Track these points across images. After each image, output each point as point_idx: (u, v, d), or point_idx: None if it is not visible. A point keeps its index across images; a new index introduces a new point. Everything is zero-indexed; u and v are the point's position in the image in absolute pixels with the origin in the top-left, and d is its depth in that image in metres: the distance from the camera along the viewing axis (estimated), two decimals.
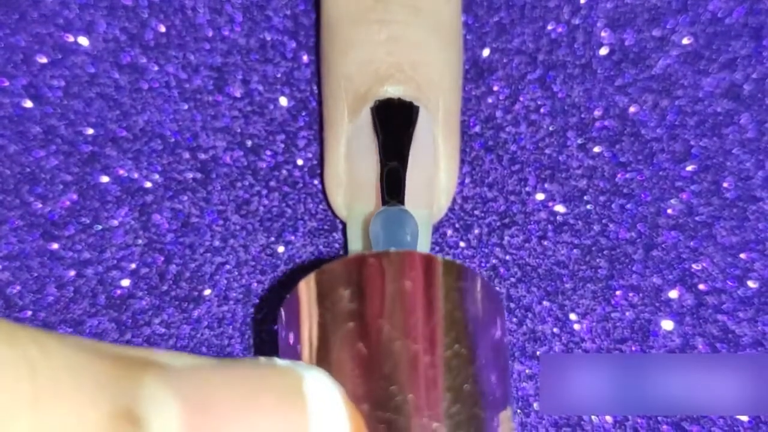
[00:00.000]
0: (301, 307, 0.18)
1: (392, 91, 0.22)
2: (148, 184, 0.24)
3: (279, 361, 0.15)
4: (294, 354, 0.18)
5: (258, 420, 0.14)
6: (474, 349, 0.17)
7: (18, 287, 0.23)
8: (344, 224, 0.24)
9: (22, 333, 0.13)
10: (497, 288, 0.24)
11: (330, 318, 0.17)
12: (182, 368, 0.14)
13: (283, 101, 0.25)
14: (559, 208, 0.24)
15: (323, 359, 0.17)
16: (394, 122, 0.22)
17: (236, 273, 0.24)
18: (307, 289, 0.18)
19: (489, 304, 0.18)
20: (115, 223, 0.24)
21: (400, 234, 0.20)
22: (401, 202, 0.21)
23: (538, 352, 0.23)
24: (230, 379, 0.14)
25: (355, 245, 0.22)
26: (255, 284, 0.24)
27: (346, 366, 0.16)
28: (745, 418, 0.22)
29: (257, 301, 0.23)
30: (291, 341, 0.18)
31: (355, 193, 0.22)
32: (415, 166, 0.22)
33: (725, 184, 0.24)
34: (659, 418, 0.23)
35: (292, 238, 0.24)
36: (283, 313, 0.19)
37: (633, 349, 0.23)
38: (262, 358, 0.15)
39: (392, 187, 0.21)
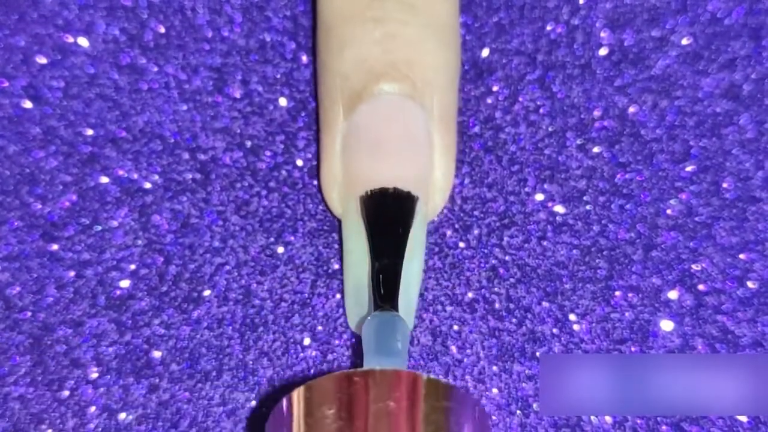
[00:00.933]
0: (292, 420, 0.18)
1: (387, 88, 0.22)
2: (148, 185, 0.24)
3: None
4: None
5: None
6: None
7: (17, 288, 0.23)
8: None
9: None
10: (497, 288, 0.24)
11: None
12: None
13: (283, 102, 0.25)
14: (559, 209, 0.24)
15: None
16: (389, 215, 0.22)
17: (236, 274, 0.24)
18: (297, 402, 0.18)
19: (476, 425, 0.18)
20: (115, 223, 0.24)
21: (391, 342, 0.20)
22: (394, 306, 0.21)
23: (537, 353, 0.23)
24: None
25: (350, 243, 0.22)
26: (254, 285, 0.24)
27: None
28: (744, 419, 0.22)
29: (257, 301, 0.23)
30: None
31: (350, 190, 0.22)
32: (412, 162, 0.22)
33: (725, 185, 0.24)
34: (658, 419, 0.23)
35: (292, 238, 0.24)
36: (271, 423, 0.19)
37: (632, 349, 0.23)
38: None
39: (386, 291, 0.21)
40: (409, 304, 0.22)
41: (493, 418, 0.23)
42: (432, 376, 0.18)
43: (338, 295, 0.24)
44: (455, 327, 0.23)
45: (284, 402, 0.18)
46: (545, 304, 0.23)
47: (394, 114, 0.22)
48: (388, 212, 0.22)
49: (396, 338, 0.20)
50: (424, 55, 0.22)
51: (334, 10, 0.23)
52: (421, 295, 0.24)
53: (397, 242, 0.21)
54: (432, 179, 0.23)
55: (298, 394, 0.18)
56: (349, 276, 0.22)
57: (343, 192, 0.23)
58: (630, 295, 0.23)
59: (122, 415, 0.22)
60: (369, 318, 0.21)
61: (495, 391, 0.23)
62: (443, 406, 0.18)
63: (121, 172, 0.24)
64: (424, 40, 0.22)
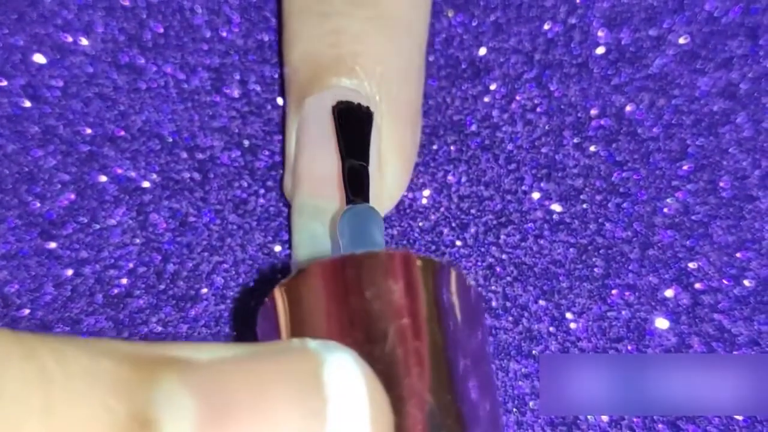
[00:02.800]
0: (344, 283, 0.18)
1: (333, 81, 0.22)
2: (146, 184, 0.24)
3: (310, 343, 0.15)
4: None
5: (275, 420, 0.14)
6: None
7: (16, 286, 0.23)
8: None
9: (40, 345, 0.13)
10: (493, 287, 0.24)
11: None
12: (200, 364, 0.14)
13: (281, 101, 0.25)
14: (556, 207, 0.24)
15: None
16: (355, 122, 0.22)
17: (233, 272, 0.24)
18: (355, 268, 0.18)
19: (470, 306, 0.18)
20: (113, 222, 0.24)
21: (369, 232, 0.20)
22: (366, 200, 0.21)
23: (534, 351, 0.23)
24: (249, 374, 0.14)
25: (297, 235, 0.22)
26: (252, 283, 0.24)
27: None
28: (740, 417, 0.22)
29: (254, 300, 0.24)
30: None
31: (298, 183, 0.22)
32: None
33: (721, 183, 0.24)
34: (655, 417, 0.23)
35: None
36: (305, 278, 0.18)
37: (629, 348, 0.23)
38: (295, 341, 0.15)
39: (356, 184, 0.21)
40: None
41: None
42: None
43: None
44: None
45: (329, 264, 0.18)
46: (542, 302, 0.23)
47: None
48: (354, 117, 0.22)
49: (373, 229, 0.20)
50: (370, 48, 0.22)
51: (287, 5, 0.24)
52: None
53: (364, 143, 0.22)
54: (381, 175, 0.22)
55: (355, 259, 0.18)
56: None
57: (294, 184, 0.23)
58: (626, 293, 0.23)
59: None
60: (344, 211, 0.21)
61: None
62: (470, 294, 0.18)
63: (119, 171, 0.24)
64: (371, 33, 0.23)
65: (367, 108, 0.22)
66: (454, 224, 0.24)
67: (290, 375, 0.14)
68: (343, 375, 0.15)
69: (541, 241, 0.24)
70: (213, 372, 0.14)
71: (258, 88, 0.25)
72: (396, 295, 0.17)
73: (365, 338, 0.17)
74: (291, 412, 0.14)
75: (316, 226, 0.22)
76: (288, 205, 0.24)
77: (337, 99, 0.22)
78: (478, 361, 0.18)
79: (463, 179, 0.25)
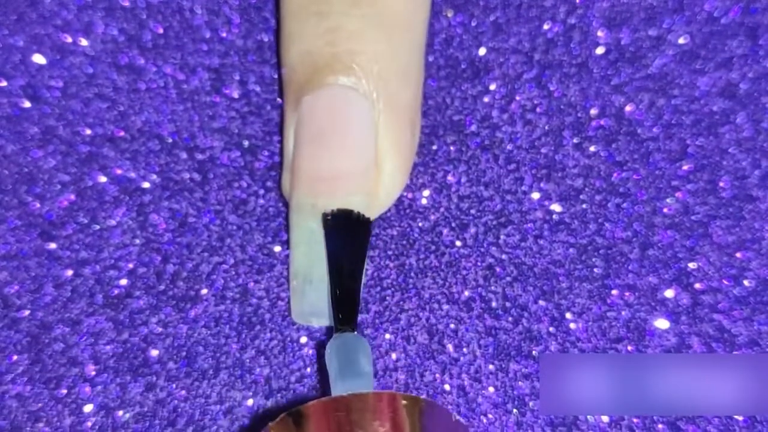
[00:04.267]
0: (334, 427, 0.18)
1: (330, 80, 0.22)
2: (146, 184, 0.24)
3: None
4: None
5: None
6: None
7: (16, 287, 0.23)
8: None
9: None
10: (493, 287, 0.24)
11: None
12: None
13: (280, 102, 0.25)
14: (555, 207, 0.24)
15: None
16: (350, 234, 0.22)
17: (233, 272, 0.24)
18: (343, 410, 0.18)
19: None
20: (113, 222, 0.24)
21: (356, 363, 0.20)
22: (353, 328, 0.21)
23: (534, 352, 0.23)
24: None
25: (295, 235, 0.23)
26: (252, 284, 0.24)
27: None
28: (740, 417, 0.22)
29: (254, 300, 0.24)
30: None
31: (295, 182, 0.22)
32: (353, 153, 0.22)
33: (721, 183, 0.24)
34: (655, 418, 0.23)
35: None
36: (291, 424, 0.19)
37: (629, 348, 0.23)
38: None
39: (345, 314, 0.21)
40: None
41: (490, 416, 0.23)
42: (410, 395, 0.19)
43: None
44: (452, 325, 0.23)
45: (319, 407, 0.18)
46: (542, 302, 0.23)
47: (337, 105, 0.22)
48: (349, 235, 0.22)
49: (360, 359, 0.21)
50: (367, 47, 0.22)
51: (285, 4, 0.24)
52: (418, 294, 0.24)
53: (358, 262, 0.22)
54: (379, 176, 0.22)
55: (343, 402, 0.18)
56: (298, 269, 0.22)
57: (292, 183, 0.23)
58: (626, 293, 0.23)
59: (119, 413, 0.23)
60: (331, 341, 0.21)
61: (491, 389, 0.23)
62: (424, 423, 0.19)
63: (119, 172, 0.24)
64: (369, 32, 0.23)
65: (366, 218, 0.22)
66: (453, 224, 0.24)
67: None
68: None
69: (541, 242, 0.24)
70: None
71: (258, 89, 0.25)
72: None
73: None
74: None
75: (313, 224, 0.22)
76: (287, 205, 0.24)
77: (334, 101, 0.22)
78: None
79: (463, 179, 0.25)
